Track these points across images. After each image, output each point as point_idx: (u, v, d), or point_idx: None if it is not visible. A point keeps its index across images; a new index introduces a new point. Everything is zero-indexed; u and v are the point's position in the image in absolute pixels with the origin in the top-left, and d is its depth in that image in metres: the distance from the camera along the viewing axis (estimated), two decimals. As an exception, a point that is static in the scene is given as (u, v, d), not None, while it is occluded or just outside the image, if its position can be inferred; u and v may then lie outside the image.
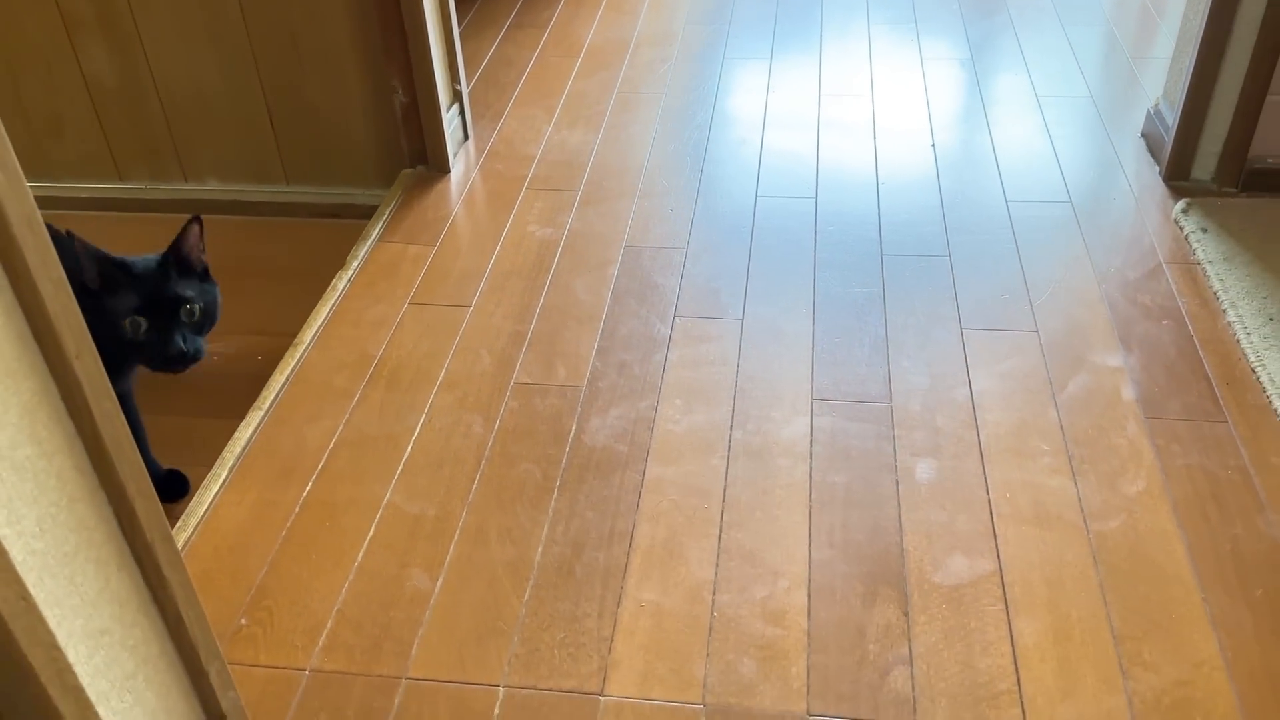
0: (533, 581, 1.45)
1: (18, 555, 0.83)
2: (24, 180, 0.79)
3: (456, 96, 2.36)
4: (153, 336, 1.47)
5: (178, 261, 1.50)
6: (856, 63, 2.77)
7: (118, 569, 0.98)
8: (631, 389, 1.76)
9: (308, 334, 1.88)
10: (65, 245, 1.42)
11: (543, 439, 1.67)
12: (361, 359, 1.84)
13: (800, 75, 2.72)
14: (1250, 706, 1.25)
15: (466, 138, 2.44)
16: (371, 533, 1.52)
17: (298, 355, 1.84)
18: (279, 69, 2.23)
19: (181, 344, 1.47)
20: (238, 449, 1.66)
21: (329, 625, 1.39)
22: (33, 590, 0.85)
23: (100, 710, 0.94)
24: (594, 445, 1.66)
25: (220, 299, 1.57)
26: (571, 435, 1.68)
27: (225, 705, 1.15)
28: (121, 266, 1.47)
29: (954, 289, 1.95)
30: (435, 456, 1.65)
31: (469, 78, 2.72)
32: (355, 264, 2.07)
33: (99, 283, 1.44)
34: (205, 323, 1.53)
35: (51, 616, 0.87)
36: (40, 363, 0.86)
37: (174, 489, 1.68)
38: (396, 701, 1.30)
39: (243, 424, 1.71)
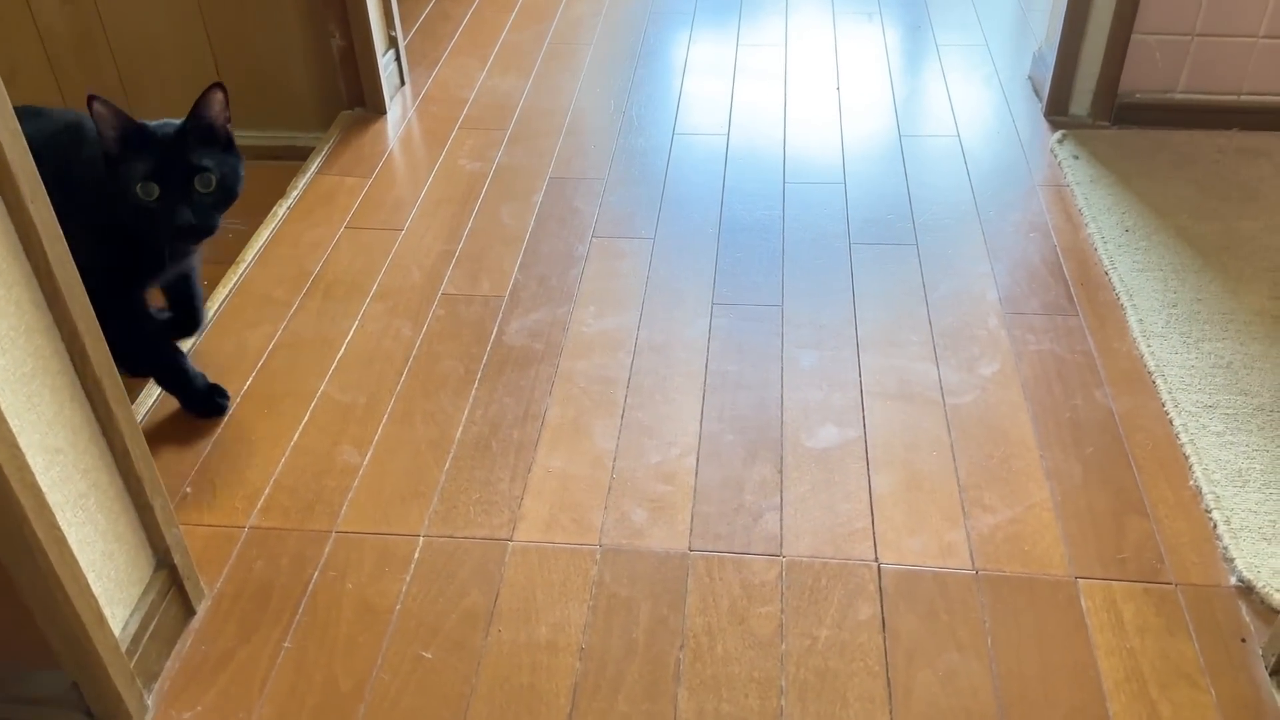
0: (452, 454, 1.62)
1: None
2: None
3: (392, 43, 2.52)
4: (164, 204, 1.41)
5: (198, 130, 1.43)
6: (773, 17, 2.94)
7: (70, 399, 1.13)
8: (550, 298, 1.93)
9: (249, 254, 2.03)
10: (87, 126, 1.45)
11: (466, 340, 1.84)
12: (299, 274, 1.99)
13: (720, 28, 2.89)
14: (1072, 538, 1.45)
15: (403, 83, 2.59)
16: (306, 418, 1.68)
17: (239, 272, 1.99)
18: (223, 18, 2.37)
19: (190, 216, 1.41)
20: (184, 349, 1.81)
21: (266, 491, 1.55)
22: (-2, 390, 1.00)
23: (57, 517, 1.10)
24: (513, 344, 1.83)
25: (243, 172, 1.50)
26: (493, 336, 1.84)
27: (169, 539, 1.31)
28: (140, 131, 1.41)
29: (846, 210, 2.14)
30: (366, 355, 1.81)
31: (408, 30, 2.87)
32: (294, 194, 2.21)
33: (117, 148, 1.40)
34: (223, 196, 1.46)
35: (13, 424, 1.03)
36: None
37: (213, 405, 1.68)
38: (326, 550, 1.47)
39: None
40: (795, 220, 2.12)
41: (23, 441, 1.04)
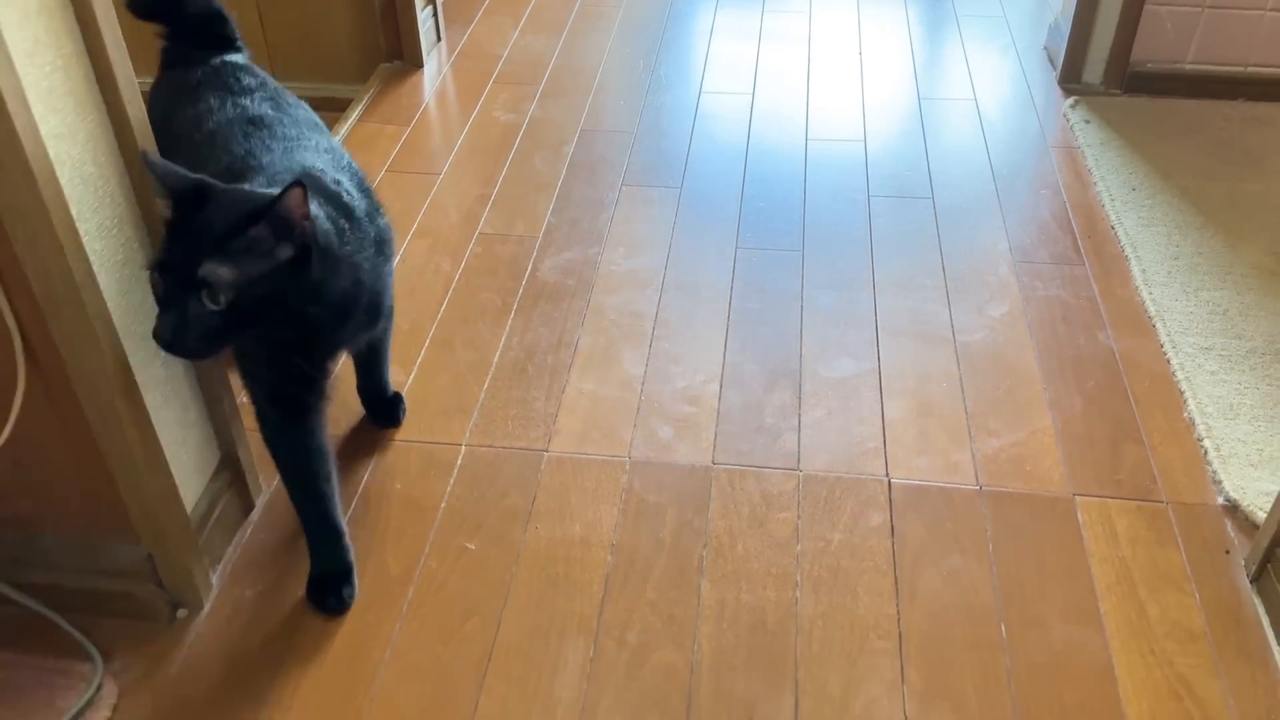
0: (491, 376, 1.72)
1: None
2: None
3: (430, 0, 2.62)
4: (162, 303, 1.08)
5: (271, 221, 1.07)
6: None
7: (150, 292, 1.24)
8: (581, 239, 2.03)
9: (297, 192, 2.14)
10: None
11: (502, 275, 1.94)
12: (345, 212, 2.10)
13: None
14: (1071, 460, 1.55)
15: (439, 39, 2.69)
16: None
17: (288, 209, 2.10)
18: (270, -29, 2.47)
19: (166, 330, 1.06)
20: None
21: (318, 403, 1.66)
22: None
23: (144, 397, 1.20)
24: (546, 280, 1.93)
25: (318, 281, 1.13)
26: (527, 272, 1.94)
27: (233, 434, 1.42)
28: (198, 194, 1.08)
29: (866, 166, 2.23)
30: (408, 287, 1.91)
31: (443, -8, 2.96)
32: (337, 140, 2.32)
33: (170, 212, 1.09)
34: (236, 320, 1.08)
35: (110, 306, 1.13)
36: None
37: (392, 413, 1.62)
38: (375, 455, 1.58)
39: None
40: (816, 174, 2.21)
41: (116, 323, 1.15)
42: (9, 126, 0.96)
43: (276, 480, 1.53)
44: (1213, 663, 1.29)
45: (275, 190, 1.08)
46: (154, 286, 1.09)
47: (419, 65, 2.57)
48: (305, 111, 1.46)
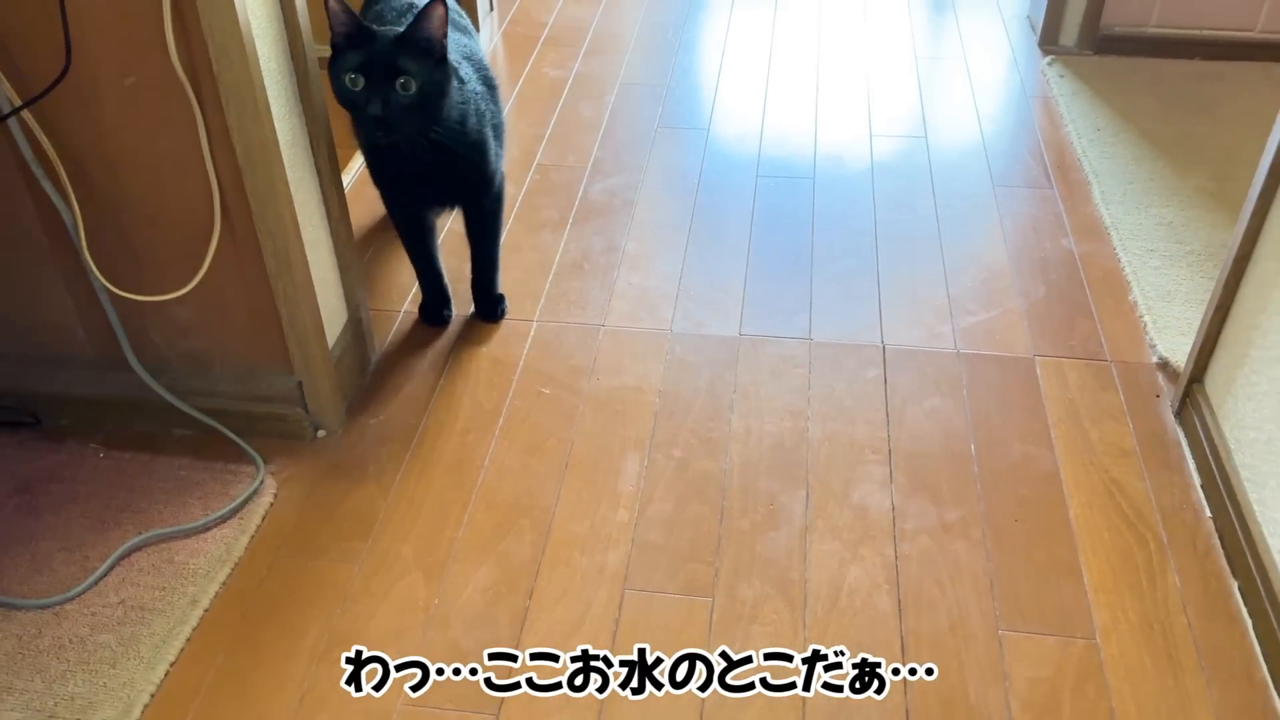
0: (554, 271, 2.07)
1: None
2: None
3: (486, -28, 2.97)
4: (365, 95, 1.51)
5: (414, 40, 1.51)
6: (809, -35, 3.39)
7: (308, 170, 1.59)
8: (624, 169, 2.38)
9: (379, 130, 2.49)
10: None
11: (559, 195, 2.29)
12: (421, 147, 2.45)
13: (763, -27, 3.34)
14: (1034, 332, 1.89)
15: (492, 9, 3.04)
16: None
17: (373, 144, 2.45)
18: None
19: (379, 108, 1.49)
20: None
21: (412, 290, 2.01)
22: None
23: (304, 230, 1.55)
24: (596, 200, 2.28)
25: (449, 88, 1.57)
26: (580, 194, 2.29)
27: (359, 297, 1.77)
28: (364, 32, 1.51)
29: (869, 110, 2.58)
30: (480, 204, 2.26)
31: (492, -31, 3.32)
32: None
33: (343, 43, 1.51)
34: (421, 103, 1.53)
35: (290, 175, 1.48)
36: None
37: (493, 309, 1.95)
38: (460, 327, 1.93)
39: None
40: (825, 114, 2.56)
41: (294, 181, 1.50)
42: (233, 17, 1.31)
43: (385, 344, 1.88)
44: (1140, 471, 1.63)
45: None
46: (346, 86, 1.51)
47: (475, 29, 2.92)
48: (461, 18, 1.89)
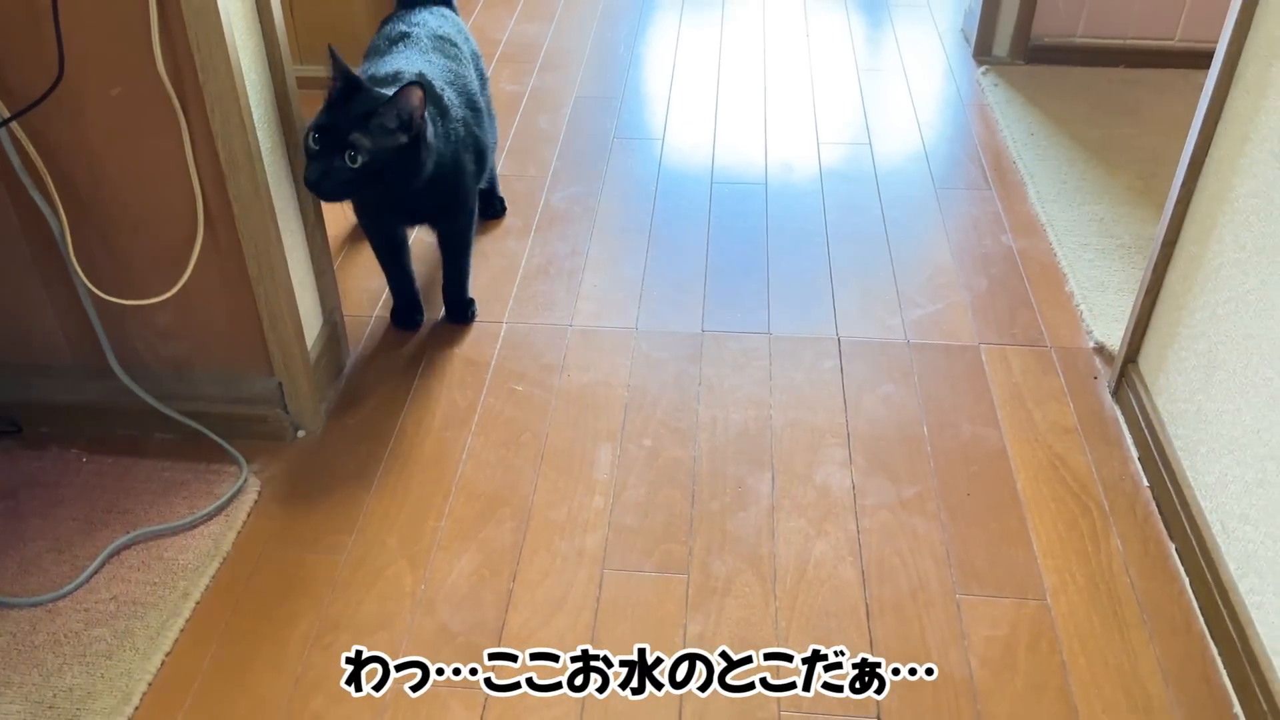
0: (520, 275, 2.14)
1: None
2: None
3: (441, -8, 3.04)
4: (314, 156, 1.55)
5: (380, 116, 1.55)
6: (753, -17, 3.51)
7: (286, 178, 1.64)
8: (583, 178, 2.46)
9: (342, 145, 2.54)
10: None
11: (522, 204, 2.36)
12: (384, 160, 2.51)
13: (709, -9, 3.45)
14: (978, 322, 2.00)
15: (448, 27, 3.11)
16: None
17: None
18: (302, -33, 2.88)
19: (314, 173, 1.53)
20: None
21: (383, 296, 2.06)
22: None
23: (283, 235, 1.61)
24: (558, 207, 2.35)
25: (422, 159, 1.61)
26: (542, 202, 2.37)
27: (333, 301, 1.82)
28: (353, 88, 1.56)
29: (815, 118, 2.69)
30: (445, 214, 2.32)
31: (445, -11, 3.39)
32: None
33: (332, 95, 1.58)
34: (364, 177, 1.55)
35: (271, 183, 1.54)
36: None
37: (463, 312, 2.00)
38: (435, 331, 1.99)
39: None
40: (774, 123, 2.67)
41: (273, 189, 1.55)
42: (219, 30, 1.37)
43: (358, 347, 1.94)
44: (1081, 446, 1.74)
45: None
46: (309, 143, 1.55)
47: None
48: (453, 45, 1.94)
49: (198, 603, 1.48)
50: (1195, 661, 1.42)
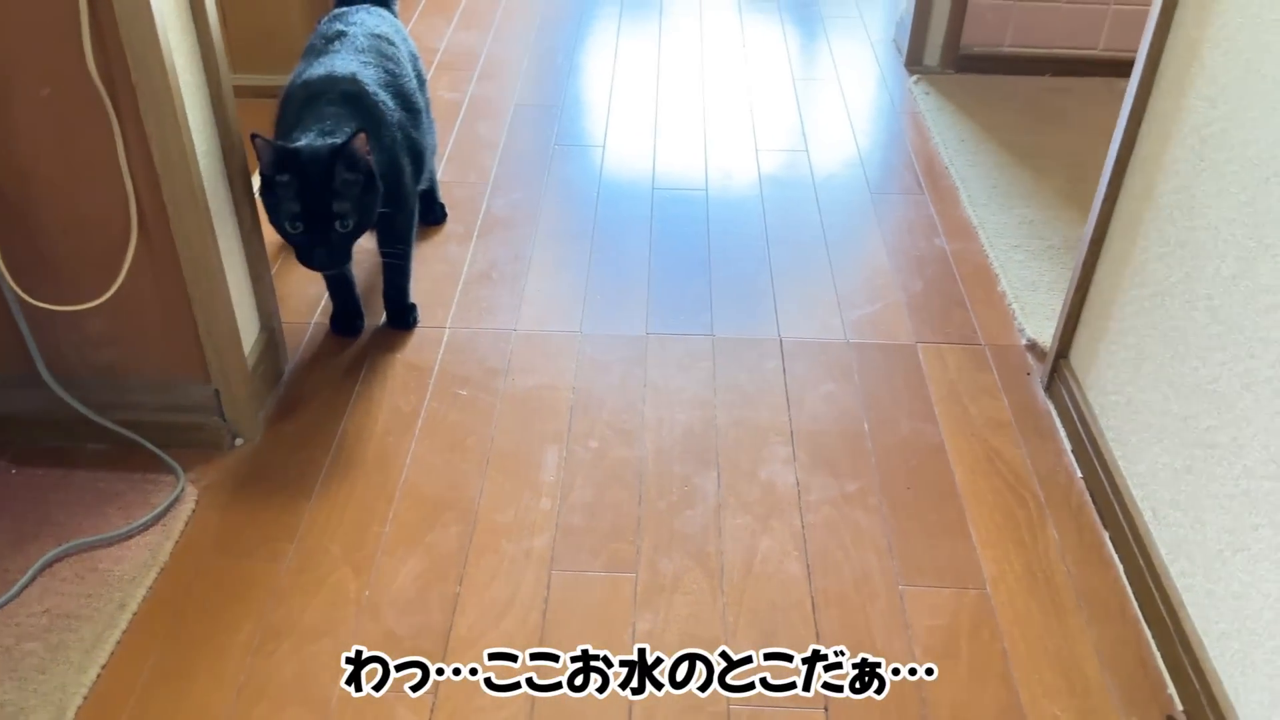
0: (463, 280, 2.13)
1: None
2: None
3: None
4: (306, 240, 1.63)
5: (341, 180, 1.60)
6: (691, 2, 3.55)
7: (221, 183, 1.62)
8: (525, 184, 2.46)
9: (278, 152, 2.51)
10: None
11: (463, 210, 2.35)
12: (322, 167, 2.48)
13: (649, 2, 3.48)
14: (915, 321, 2.04)
15: (385, 36, 3.10)
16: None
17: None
18: (235, -26, 2.84)
19: (325, 258, 1.65)
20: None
21: (322, 302, 2.04)
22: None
23: (219, 239, 1.58)
24: (499, 214, 2.35)
25: (377, 191, 1.67)
26: (483, 209, 2.36)
27: (271, 307, 1.80)
28: (293, 158, 1.58)
29: (753, 126, 2.73)
30: (385, 220, 2.30)
31: (381, -1, 3.37)
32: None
33: (272, 173, 1.59)
34: (358, 231, 1.67)
35: (208, 190, 1.52)
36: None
37: (404, 318, 2.00)
38: (376, 337, 1.97)
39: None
40: (713, 131, 2.69)
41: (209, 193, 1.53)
42: (152, 28, 1.35)
43: (297, 353, 1.91)
44: (1016, 439, 1.78)
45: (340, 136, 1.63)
46: (287, 229, 1.61)
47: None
48: (390, 44, 1.93)
49: (135, 614, 1.44)
50: (1131, 645, 1.46)
